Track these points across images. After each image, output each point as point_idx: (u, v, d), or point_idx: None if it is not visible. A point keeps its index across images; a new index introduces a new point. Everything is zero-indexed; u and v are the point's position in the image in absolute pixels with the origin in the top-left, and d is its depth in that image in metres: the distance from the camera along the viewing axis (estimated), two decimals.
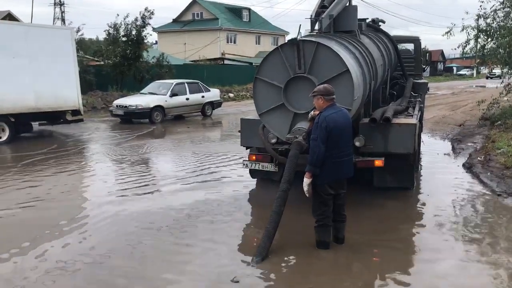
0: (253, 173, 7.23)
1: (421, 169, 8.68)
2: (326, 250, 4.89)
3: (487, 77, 48.39)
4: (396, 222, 5.92)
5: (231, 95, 28.71)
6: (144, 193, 7.34)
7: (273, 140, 5.89)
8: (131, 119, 16.80)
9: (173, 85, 17.90)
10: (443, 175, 8.23)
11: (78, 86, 13.73)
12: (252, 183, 7.67)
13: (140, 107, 16.49)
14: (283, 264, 4.69)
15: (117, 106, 16.95)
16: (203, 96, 18.64)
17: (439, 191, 7.21)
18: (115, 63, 24.57)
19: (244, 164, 6.51)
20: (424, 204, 6.69)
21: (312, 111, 4.97)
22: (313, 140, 4.66)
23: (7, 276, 4.48)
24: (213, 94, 19.53)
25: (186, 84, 18.38)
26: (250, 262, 4.62)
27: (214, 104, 19.43)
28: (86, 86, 22.60)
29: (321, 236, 4.90)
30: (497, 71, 23.85)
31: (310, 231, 5.02)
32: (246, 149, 6.92)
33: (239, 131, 6.91)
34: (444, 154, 10.26)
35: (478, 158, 9.04)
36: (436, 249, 5.01)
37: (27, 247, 5.13)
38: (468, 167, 8.65)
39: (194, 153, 10.67)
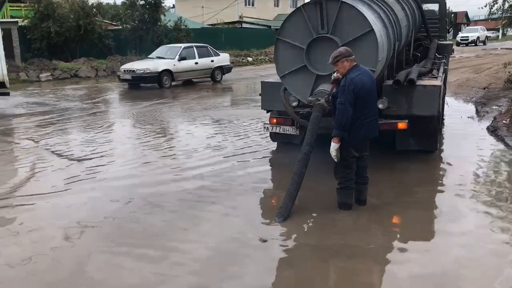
0: (273, 136, 7.20)
1: (444, 132, 8.54)
2: (348, 212, 4.90)
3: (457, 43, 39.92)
4: (418, 185, 5.84)
5: (250, 59, 28.33)
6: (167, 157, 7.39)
7: (295, 103, 5.82)
8: (139, 84, 16.45)
9: (181, 49, 17.54)
10: (467, 138, 8.09)
11: (1, 56, 11.86)
12: (273, 146, 7.65)
13: (148, 71, 16.15)
14: (305, 225, 4.71)
15: (124, 71, 16.61)
16: (212, 61, 18.17)
17: (462, 154, 7.10)
18: (133, 27, 24.52)
19: (264, 128, 6.48)
20: (446, 167, 6.60)
21: (335, 73, 4.87)
22: (340, 104, 4.57)
23: None
24: (223, 58, 19.02)
25: (194, 48, 17.93)
26: (273, 221, 4.66)
27: (224, 69, 18.92)
28: (105, 51, 22.82)
29: (344, 198, 4.91)
30: None
31: (332, 193, 5.03)
32: (267, 112, 6.85)
33: (259, 94, 6.85)
34: (468, 117, 10.04)
35: (503, 121, 8.85)
36: (457, 213, 4.95)
37: None
38: (493, 130, 8.47)
39: (217, 120, 10.63)
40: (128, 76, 16.38)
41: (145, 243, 4.35)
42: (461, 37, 43.76)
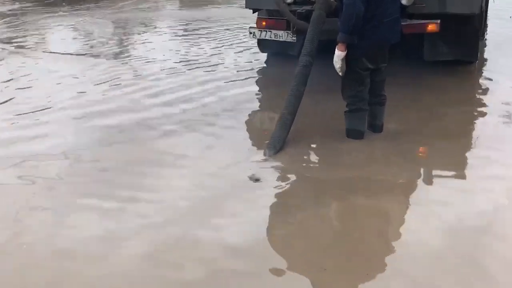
0: (263, 45, 6.23)
1: (487, 37, 7.47)
2: (359, 141, 4.13)
3: None
4: (450, 106, 4.99)
5: None
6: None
7: None
8: None
9: None
10: None
11: None
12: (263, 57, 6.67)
13: None
14: (304, 157, 4.03)
15: None
16: None
17: (510, 67, 6.18)
18: None
19: (251, 34, 5.47)
20: (488, 86, 5.66)
21: None
22: None
23: None
24: None
25: None
26: (263, 155, 3.91)
27: None
28: None
29: (354, 123, 4.15)
30: None
31: (338, 118, 4.26)
32: (253, 12, 5.86)
33: None
34: None
35: None
36: (497, 144, 4.16)
37: None
38: None
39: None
40: None
41: (105, 190, 3.52)
42: None
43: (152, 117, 4.79)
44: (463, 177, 3.68)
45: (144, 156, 3.99)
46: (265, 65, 6.52)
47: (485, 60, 6.50)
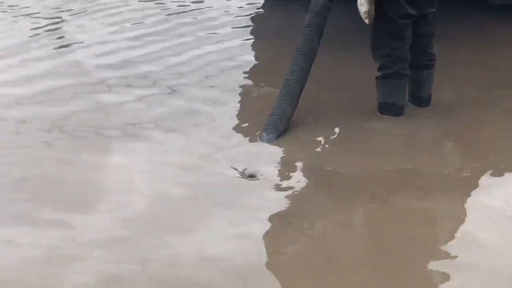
0: None
1: None
2: (397, 118, 3.28)
3: None
4: None
5: None
6: None
7: None
8: None
9: None
10: None
11: None
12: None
13: None
14: (318, 143, 3.10)
15: None
16: None
17: None
18: None
19: None
20: None
21: None
22: None
23: None
24: None
25: None
26: (259, 140, 3.10)
27: None
28: None
29: (388, 93, 3.32)
30: None
31: (367, 87, 3.37)
32: None
33: None
34: None
35: None
36: None
37: None
38: None
39: None
40: None
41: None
42: None
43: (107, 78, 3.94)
44: None
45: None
46: (262, 10, 5.65)
47: None
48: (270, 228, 2.30)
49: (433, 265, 2.06)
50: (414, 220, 2.42)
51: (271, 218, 2.38)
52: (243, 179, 2.67)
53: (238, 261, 2.07)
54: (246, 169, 2.77)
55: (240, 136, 3.21)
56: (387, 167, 2.83)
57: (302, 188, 2.67)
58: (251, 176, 2.71)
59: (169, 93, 3.82)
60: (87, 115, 3.39)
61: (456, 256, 2.13)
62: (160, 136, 3.19)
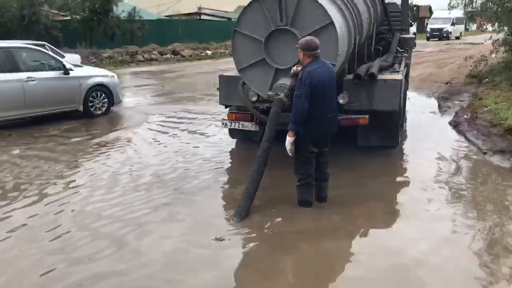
0: (232, 132, 7.02)
1: (406, 127, 8.52)
2: (309, 208, 4.79)
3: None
4: (378, 179, 5.81)
5: (209, 52, 27.68)
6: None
7: (254, 98, 5.66)
8: None
9: None
10: (429, 133, 8.08)
11: None
12: (232, 143, 7.43)
13: None
14: (265, 223, 4.56)
15: None
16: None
17: (424, 149, 7.08)
18: (83, 18, 23.35)
19: (223, 124, 6.27)
20: (407, 161, 6.62)
21: (295, 67, 4.74)
22: (296, 97, 4.44)
23: None
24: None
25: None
26: (231, 221, 4.52)
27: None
28: (53, 43, 20.31)
29: (304, 195, 4.78)
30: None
31: (292, 190, 4.89)
32: (226, 107, 6.66)
33: (217, 89, 6.63)
34: (430, 112, 10.07)
35: (465, 116, 8.91)
36: (417, 206, 4.94)
37: None
38: (454, 125, 8.52)
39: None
40: None
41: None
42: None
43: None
44: (388, 229, 4.45)
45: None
46: (234, 148, 7.24)
47: (405, 144, 7.39)
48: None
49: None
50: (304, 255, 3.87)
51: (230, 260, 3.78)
52: (215, 241, 4.08)
53: None
54: (217, 236, 4.15)
55: (218, 220, 4.61)
56: (300, 229, 4.30)
57: (255, 241, 4.05)
58: (221, 240, 4.11)
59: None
60: None
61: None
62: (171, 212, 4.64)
